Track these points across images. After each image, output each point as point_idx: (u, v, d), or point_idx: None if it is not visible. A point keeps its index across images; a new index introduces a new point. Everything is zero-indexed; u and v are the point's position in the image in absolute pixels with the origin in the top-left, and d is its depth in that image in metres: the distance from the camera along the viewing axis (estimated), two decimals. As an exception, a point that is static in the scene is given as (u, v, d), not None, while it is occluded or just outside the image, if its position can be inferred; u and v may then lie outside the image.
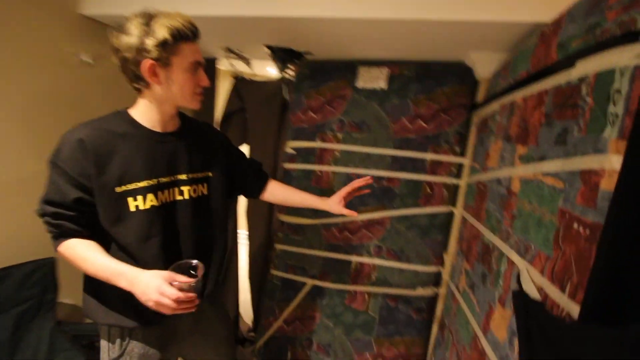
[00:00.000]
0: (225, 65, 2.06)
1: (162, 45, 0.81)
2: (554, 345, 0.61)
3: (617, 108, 0.56)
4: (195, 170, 0.97)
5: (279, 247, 1.84)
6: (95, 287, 0.89)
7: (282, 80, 1.80)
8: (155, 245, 0.88)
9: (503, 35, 1.13)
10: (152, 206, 0.88)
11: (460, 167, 1.50)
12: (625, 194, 0.53)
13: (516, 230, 0.86)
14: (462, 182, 1.47)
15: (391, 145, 1.59)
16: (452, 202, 1.53)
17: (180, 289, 0.75)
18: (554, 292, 0.66)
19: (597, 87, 0.61)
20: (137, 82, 0.86)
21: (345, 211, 1.07)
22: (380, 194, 1.62)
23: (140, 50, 0.80)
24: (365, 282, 1.66)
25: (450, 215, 1.54)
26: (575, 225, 0.62)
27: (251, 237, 1.95)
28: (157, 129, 0.91)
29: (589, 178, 0.60)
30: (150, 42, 0.80)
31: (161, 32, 0.80)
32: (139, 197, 0.86)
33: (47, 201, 0.83)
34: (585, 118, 0.63)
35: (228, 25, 1.39)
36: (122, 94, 1.03)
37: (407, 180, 1.57)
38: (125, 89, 0.93)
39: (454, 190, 1.52)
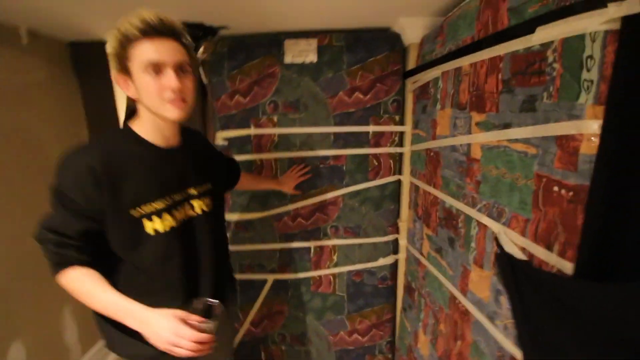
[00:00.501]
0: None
1: (115, 54, 0.78)
2: (551, 301, 0.66)
3: (590, 74, 0.58)
4: (200, 183, 0.96)
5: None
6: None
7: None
8: (176, 267, 0.87)
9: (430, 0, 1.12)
10: (171, 227, 0.86)
11: (401, 135, 1.53)
12: (610, 157, 0.56)
13: (484, 195, 0.89)
14: (406, 150, 1.51)
15: (331, 122, 1.53)
16: (399, 170, 1.57)
17: (198, 330, 0.72)
18: (539, 251, 0.70)
19: (565, 54, 0.62)
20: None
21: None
22: (328, 174, 1.57)
23: (111, 63, 0.79)
24: (327, 265, 1.65)
25: (398, 184, 1.58)
26: (556, 188, 0.66)
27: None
28: (162, 144, 0.88)
29: (567, 143, 0.63)
30: (110, 58, 0.79)
31: (111, 40, 0.77)
32: (155, 218, 0.83)
33: (49, 229, 0.79)
34: (555, 85, 0.64)
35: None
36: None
37: (353, 155, 1.54)
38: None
39: (399, 159, 1.55)
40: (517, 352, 0.77)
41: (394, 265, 1.64)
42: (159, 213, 0.84)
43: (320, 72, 1.49)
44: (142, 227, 0.82)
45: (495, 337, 0.85)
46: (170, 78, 0.77)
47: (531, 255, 0.73)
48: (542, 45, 0.67)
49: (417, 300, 1.39)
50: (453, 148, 1.04)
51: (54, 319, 1.60)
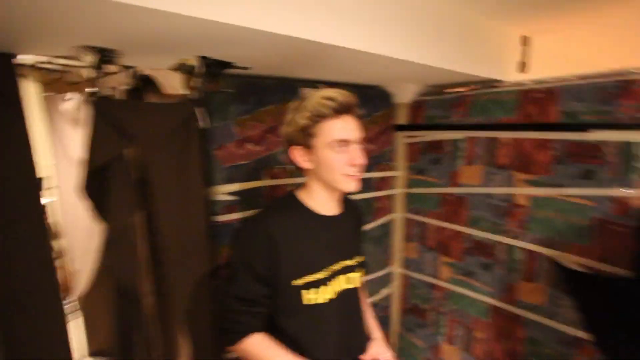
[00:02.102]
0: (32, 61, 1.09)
1: (302, 130, 0.83)
2: (610, 296, 1.09)
3: (638, 164, 1.04)
4: (355, 254, 0.98)
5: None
6: None
7: (192, 101, 1.21)
8: (330, 339, 0.89)
9: (428, 75, 1.41)
10: (330, 299, 0.88)
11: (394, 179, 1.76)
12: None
13: (532, 230, 1.27)
14: (399, 192, 1.75)
15: (344, 170, 1.57)
16: (393, 210, 1.78)
17: None
18: (598, 265, 1.13)
19: (618, 151, 1.06)
20: (296, 165, 0.89)
21: None
22: (340, 221, 1.59)
23: (287, 140, 0.88)
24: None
25: (392, 221, 1.79)
26: (611, 226, 1.10)
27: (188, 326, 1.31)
28: (326, 212, 0.92)
29: (620, 200, 1.07)
30: (291, 130, 0.86)
31: (301, 119, 0.83)
32: (314, 290, 0.86)
33: (236, 297, 0.83)
34: (611, 166, 1.08)
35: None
36: None
37: (361, 199, 1.63)
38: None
39: (394, 199, 1.77)
40: (577, 333, 1.18)
41: (389, 295, 1.84)
42: (317, 284, 0.87)
43: (337, 122, 1.51)
44: (299, 297, 0.85)
45: (557, 328, 1.23)
46: (356, 155, 0.83)
47: (591, 269, 1.15)
48: (597, 141, 1.10)
49: (434, 318, 1.65)
50: (488, 195, 1.38)
51: None
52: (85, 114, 1.42)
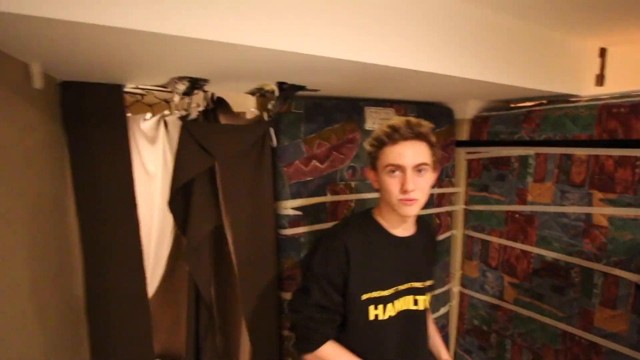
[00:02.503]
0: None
1: (369, 154, 0.94)
2: None
3: None
4: (425, 278, 1.00)
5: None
6: None
7: (266, 122, 1.31)
8: (389, 356, 0.93)
9: (495, 91, 1.38)
10: (390, 316, 0.91)
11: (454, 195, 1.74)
12: None
13: (612, 252, 1.19)
14: (459, 208, 1.72)
15: (404, 186, 1.58)
16: (452, 226, 1.76)
17: None
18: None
19: None
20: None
21: None
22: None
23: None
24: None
25: (450, 238, 1.76)
26: None
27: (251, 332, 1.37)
28: (398, 233, 0.95)
29: None
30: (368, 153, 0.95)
31: (367, 144, 0.95)
32: (380, 307, 0.90)
33: (317, 306, 0.87)
34: None
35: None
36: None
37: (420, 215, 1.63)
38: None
39: (454, 216, 1.74)
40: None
41: (447, 313, 1.80)
42: (384, 301, 0.90)
43: (398, 139, 1.53)
44: (366, 312, 0.89)
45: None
46: (405, 180, 0.85)
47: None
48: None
49: (496, 341, 1.58)
50: (561, 214, 1.32)
51: None
52: (161, 132, 1.58)
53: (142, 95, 1.58)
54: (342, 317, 0.90)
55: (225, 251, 1.34)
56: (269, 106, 1.25)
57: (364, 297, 0.89)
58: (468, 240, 1.70)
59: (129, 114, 1.78)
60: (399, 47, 0.92)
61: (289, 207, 1.38)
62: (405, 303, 0.95)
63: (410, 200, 0.85)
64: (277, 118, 1.32)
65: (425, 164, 0.87)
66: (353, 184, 1.48)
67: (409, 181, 0.84)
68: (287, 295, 1.41)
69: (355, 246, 0.89)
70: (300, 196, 1.39)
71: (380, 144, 0.88)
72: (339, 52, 0.82)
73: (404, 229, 0.96)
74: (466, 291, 1.73)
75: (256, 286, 1.33)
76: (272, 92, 1.21)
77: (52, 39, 0.65)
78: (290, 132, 1.35)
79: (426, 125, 0.89)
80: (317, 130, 1.39)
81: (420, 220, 1.02)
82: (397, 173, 0.85)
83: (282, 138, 1.34)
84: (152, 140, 1.66)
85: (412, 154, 0.85)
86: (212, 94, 1.37)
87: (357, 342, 0.91)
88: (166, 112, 1.65)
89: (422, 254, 1.00)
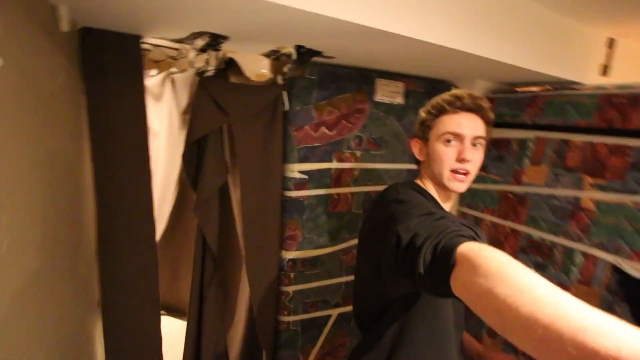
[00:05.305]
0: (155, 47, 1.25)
1: (421, 123, 0.91)
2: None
3: None
4: None
5: (291, 289, 1.53)
6: None
7: (280, 85, 1.33)
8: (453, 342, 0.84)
9: (503, 73, 1.41)
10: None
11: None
12: None
13: (595, 235, 1.28)
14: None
15: (406, 160, 1.64)
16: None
17: None
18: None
19: None
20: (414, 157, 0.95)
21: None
22: (397, 207, 1.67)
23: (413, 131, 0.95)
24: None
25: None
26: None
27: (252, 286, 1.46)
28: (444, 207, 0.91)
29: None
30: (416, 123, 0.94)
31: (423, 112, 0.92)
32: None
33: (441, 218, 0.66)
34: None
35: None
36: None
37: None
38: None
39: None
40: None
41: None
42: None
43: (405, 114, 1.58)
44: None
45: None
46: (463, 149, 0.84)
47: (654, 277, 1.15)
48: (680, 150, 1.09)
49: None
50: (552, 196, 1.40)
51: None
52: (167, 90, 1.59)
53: (148, 50, 1.57)
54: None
55: (229, 208, 1.40)
56: (284, 69, 1.27)
57: None
58: (461, 217, 1.78)
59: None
60: (415, 18, 0.94)
61: (296, 170, 1.44)
62: None
63: (464, 172, 0.83)
64: (290, 82, 1.34)
65: (482, 137, 0.85)
66: (358, 153, 1.53)
67: (467, 150, 0.82)
68: (288, 255, 1.49)
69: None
70: (307, 160, 1.44)
71: (439, 111, 0.85)
72: (358, 18, 0.84)
73: (445, 206, 0.91)
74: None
75: (259, 243, 1.40)
76: (289, 55, 1.22)
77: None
78: (302, 97, 1.38)
79: (487, 102, 0.87)
80: (328, 97, 1.42)
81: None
82: (454, 142, 0.83)
83: (293, 102, 1.37)
84: (157, 97, 1.67)
85: (472, 125, 0.83)
86: (224, 54, 1.38)
87: (437, 318, 0.80)
88: (173, 69, 1.65)
89: None
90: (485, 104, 0.87)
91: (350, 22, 0.84)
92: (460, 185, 0.85)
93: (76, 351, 1.04)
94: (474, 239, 0.52)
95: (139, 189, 1.18)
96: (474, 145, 0.85)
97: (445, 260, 0.50)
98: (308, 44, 1.13)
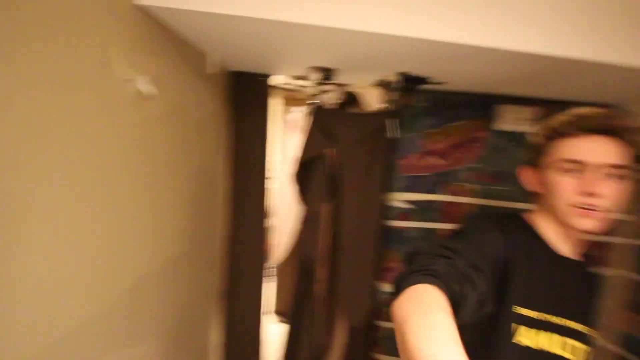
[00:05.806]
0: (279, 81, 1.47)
1: (534, 147, 0.76)
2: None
3: None
4: (590, 321, 0.74)
5: (387, 325, 1.42)
6: None
7: (385, 113, 1.33)
8: None
9: None
10: (527, 347, 0.68)
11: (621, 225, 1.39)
12: None
13: None
14: (625, 241, 1.35)
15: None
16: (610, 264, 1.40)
17: None
18: None
19: None
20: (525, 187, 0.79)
21: None
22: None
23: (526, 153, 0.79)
24: None
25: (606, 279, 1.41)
26: None
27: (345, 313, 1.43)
28: (562, 250, 0.74)
29: None
30: (526, 147, 0.79)
31: (536, 136, 0.76)
32: (526, 328, 0.69)
33: (460, 252, 0.62)
34: None
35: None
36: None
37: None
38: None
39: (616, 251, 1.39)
40: None
41: None
42: (527, 324, 0.69)
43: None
44: (509, 329, 0.68)
45: None
46: (585, 180, 0.66)
47: None
48: None
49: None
50: None
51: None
52: (305, 122, 1.81)
53: (294, 91, 1.86)
54: (473, 286, 0.60)
55: (329, 230, 1.45)
56: (391, 97, 1.28)
57: (517, 310, 0.68)
58: (633, 286, 1.32)
59: (284, 107, 2.14)
60: (549, 30, 0.79)
61: (400, 199, 1.38)
62: (551, 342, 0.70)
63: (591, 208, 0.66)
64: (397, 110, 1.34)
65: (618, 166, 0.66)
66: (474, 186, 1.36)
67: (591, 182, 0.65)
68: (385, 287, 1.42)
69: (515, 249, 0.70)
70: (413, 190, 1.38)
71: (556, 134, 0.70)
72: (467, 38, 0.78)
73: (573, 247, 0.75)
74: (620, 351, 1.34)
75: (356, 267, 1.38)
76: (395, 83, 1.23)
77: (223, 32, 0.87)
78: (409, 125, 1.35)
79: (625, 119, 0.69)
80: (439, 125, 1.35)
81: (595, 245, 0.83)
82: (576, 172, 0.68)
83: (400, 130, 1.35)
84: (297, 129, 1.92)
85: (602, 150, 0.66)
86: (347, 89, 1.49)
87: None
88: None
89: (589, 288, 0.78)
90: (623, 122, 0.66)
91: (468, 45, 0.79)
92: (587, 223, 0.66)
93: (191, 333, 1.24)
94: (432, 277, 0.54)
95: (257, 195, 1.39)
96: (608, 175, 0.66)
97: (394, 293, 0.55)
98: (415, 70, 1.11)
